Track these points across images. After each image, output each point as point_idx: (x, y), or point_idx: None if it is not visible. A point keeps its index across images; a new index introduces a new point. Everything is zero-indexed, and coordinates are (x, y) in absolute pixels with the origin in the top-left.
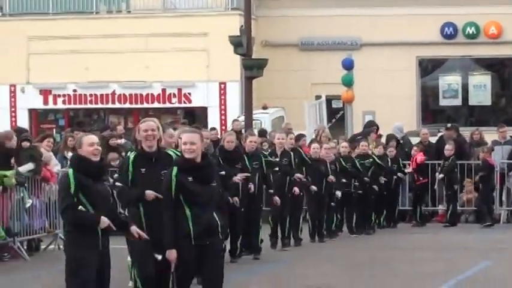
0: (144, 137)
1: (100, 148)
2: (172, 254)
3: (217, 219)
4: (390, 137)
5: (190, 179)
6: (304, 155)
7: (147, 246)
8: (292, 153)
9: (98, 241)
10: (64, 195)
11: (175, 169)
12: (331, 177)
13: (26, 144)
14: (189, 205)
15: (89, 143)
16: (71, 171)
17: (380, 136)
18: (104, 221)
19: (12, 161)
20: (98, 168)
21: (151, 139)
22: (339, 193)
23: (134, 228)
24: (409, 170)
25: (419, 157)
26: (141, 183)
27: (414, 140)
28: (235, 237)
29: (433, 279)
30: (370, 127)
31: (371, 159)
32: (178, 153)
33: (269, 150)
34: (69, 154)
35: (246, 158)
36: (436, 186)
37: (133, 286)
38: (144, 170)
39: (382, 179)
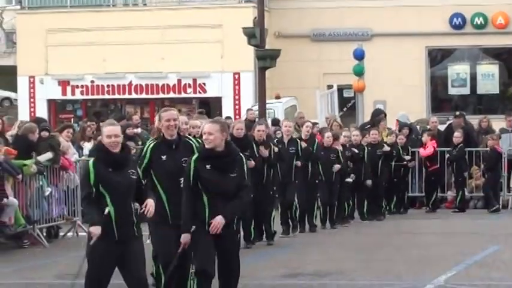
0: (166, 126)
1: (119, 139)
2: (185, 238)
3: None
4: (402, 125)
5: (208, 167)
6: (300, 147)
7: (169, 232)
8: (298, 141)
9: (114, 232)
10: (83, 184)
11: (195, 156)
12: (337, 166)
13: (45, 134)
14: (206, 193)
15: (107, 135)
16: (91, 160)
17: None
18: (95, 230)
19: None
20: (118, 160)
21: (173, 128)
22: (350, 180)
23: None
24: (411, 163)
25: (430, 147)
26: (161, 170)
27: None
28: (248, 223)
29: (442, 263)
30: (378, 115)
31: (382, 148)
32: (199, 142)
33: (277, 138)
34: (85, 144)
35: (254, 145)
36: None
37: (154, 270)
38: (164, 157)
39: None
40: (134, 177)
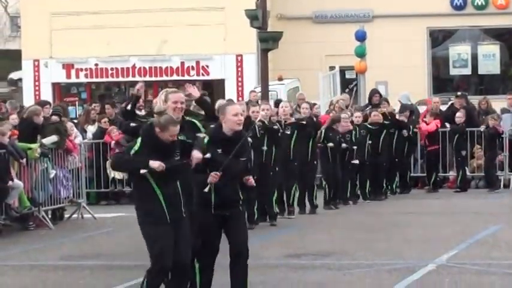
0: (173, 108)
1: (177, 129)
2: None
3: (240, 193)
4: (404, 108)
5: (219, 151)
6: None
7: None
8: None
9: (165, 214)
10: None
11: (206, 138)
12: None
13: (55, 118)
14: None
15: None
16: (139, 140)
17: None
18: (196, 154)
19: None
20: (167, 148)
21: (179, 111)
22: (356, 161)
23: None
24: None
25: (432, 124)
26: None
27: (424, 109)
28: (250, 203)
29: (444, 242)
30: (373, 95)
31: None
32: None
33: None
34: (89, 127)
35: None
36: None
37: None
38: None
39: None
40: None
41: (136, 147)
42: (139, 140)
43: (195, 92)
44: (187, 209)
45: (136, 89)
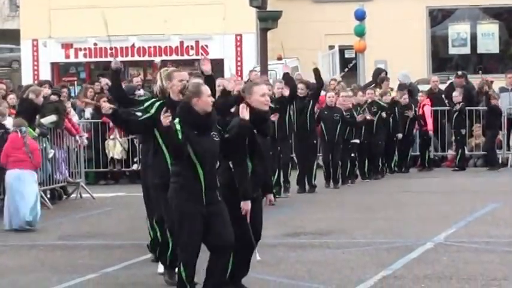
0: (177, 86)
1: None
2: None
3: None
4: (402, 87)
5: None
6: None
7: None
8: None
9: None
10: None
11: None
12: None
13: (54, 98)
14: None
15: (208, 94)
16: (177, 120)
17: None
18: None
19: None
20: (205, 122)
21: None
22: (357, 140)
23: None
24: (409, 114)
25: (426, 108)
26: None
27: (425, 88)
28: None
29: (443, 220)
30: (379, 74)
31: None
32: None
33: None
34: (88, 107)
35: None
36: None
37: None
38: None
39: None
40: (217, 139)
41: (178, 128)
42: (177, 120)
43: (209, 68)
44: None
45: (112, 64)
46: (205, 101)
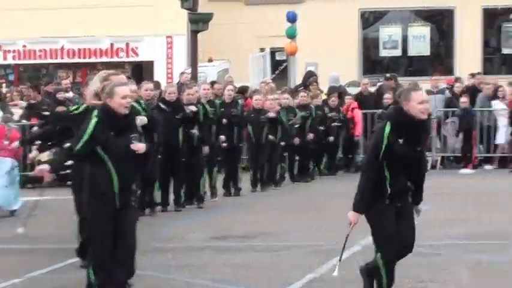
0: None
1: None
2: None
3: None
4: (332, 90)
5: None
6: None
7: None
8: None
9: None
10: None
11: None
12: (271, 138)
13: None
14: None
15: (122, 95)
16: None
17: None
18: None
19: None
20: (122, 123)
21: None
22: (283, 143)
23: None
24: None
25: (356, 111)
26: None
27: (355, 90)
28: (178, 186)
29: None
30: (310, 77)
31: (310, 110)
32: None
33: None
34: (16, 110)
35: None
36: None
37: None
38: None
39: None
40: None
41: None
42: (93, 120)
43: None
44: None
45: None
46: (118, 102)
